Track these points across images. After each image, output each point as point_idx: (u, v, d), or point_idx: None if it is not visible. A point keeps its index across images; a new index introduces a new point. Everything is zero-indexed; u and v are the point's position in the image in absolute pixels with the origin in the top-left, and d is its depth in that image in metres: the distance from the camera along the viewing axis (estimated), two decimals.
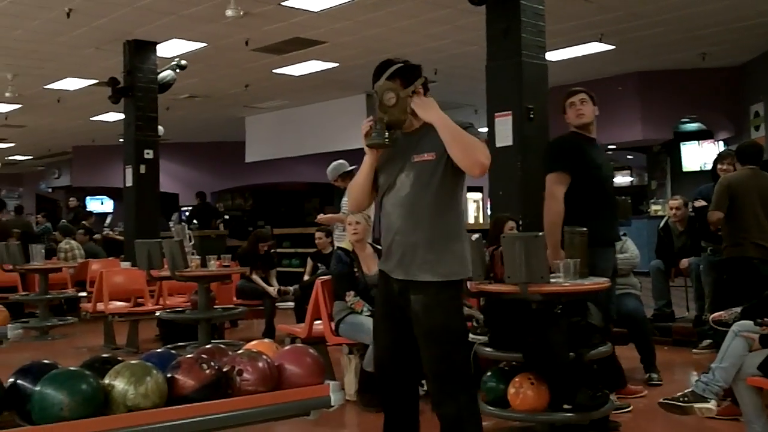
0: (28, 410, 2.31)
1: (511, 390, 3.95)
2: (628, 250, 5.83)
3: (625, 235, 5.95)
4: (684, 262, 7.33)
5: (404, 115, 3.09)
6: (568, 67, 11.38)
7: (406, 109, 3.08)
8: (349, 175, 6.71)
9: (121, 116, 11.20)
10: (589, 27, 9.81)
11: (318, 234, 8.41)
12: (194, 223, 14.84)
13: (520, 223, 6.17)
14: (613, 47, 10.76)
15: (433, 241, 3.06)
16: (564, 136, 4.51)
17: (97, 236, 13.20)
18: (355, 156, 13.12)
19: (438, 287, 3.05)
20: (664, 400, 4.11)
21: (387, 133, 3.07)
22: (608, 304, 4.40)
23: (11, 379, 2.41)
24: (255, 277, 8.25)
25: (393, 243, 3.13)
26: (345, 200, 6.56)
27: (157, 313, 7.47)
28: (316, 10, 8.81)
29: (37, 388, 2.30)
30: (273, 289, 8.25)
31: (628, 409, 4.86)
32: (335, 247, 6.35)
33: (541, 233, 3.91)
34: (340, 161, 7.07)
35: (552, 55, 8.80)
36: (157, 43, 10.12)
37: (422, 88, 3.17)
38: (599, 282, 4.05)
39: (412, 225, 3.07)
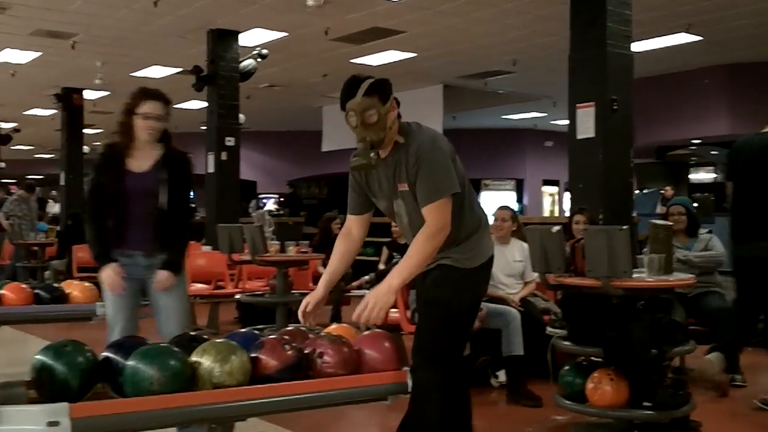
0: (120, 383, 2.40)
1: (590, 385, 3.89)
2: (714, 247, 5.67)
3: (710, 232, 5.80)
4: None
5: (384, 132, 2.91)
6: (654, 59, 11.10)
7: (385, 126, 2.91)
8: None
9: (203, 104, 11.45)
10: (676, 17, 9.54)
11: (395, 224, 8.43)
12: (279, 211, 15.22)
13: (601, 216, 6.08)
14: (701, 38, 10.44)
15: (444, 247, 2.96)
16: None
17: None
18: None
19: (450, 268, 3.00)
20: (761, 402, 3.98)
21: (372, 153, 2.91)
22: None
23: (105, 353, 2.51)
24: None
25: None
26: None
27: (237, 296, 7.63)
28: (395, 0, 8.81)
29: (130, 363, 2.39)
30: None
31: None
32: None
33: (625, 227, 3.82)
34: None
35: (637, 46, 8.60)
36: (239, 33, 10.30)
37: (395, 104, 2.97)
38: (684, 278, 3.95)
39: None
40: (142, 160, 3.61)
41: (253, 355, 2.57)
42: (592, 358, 4.10)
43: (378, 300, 2.82)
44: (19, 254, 11.38)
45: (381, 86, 2.93)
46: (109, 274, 3.49)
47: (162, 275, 3.61)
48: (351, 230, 3.25)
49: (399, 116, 3.00)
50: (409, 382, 2.79)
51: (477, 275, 3.06)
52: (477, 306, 3.20)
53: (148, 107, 3.60)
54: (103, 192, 3.57)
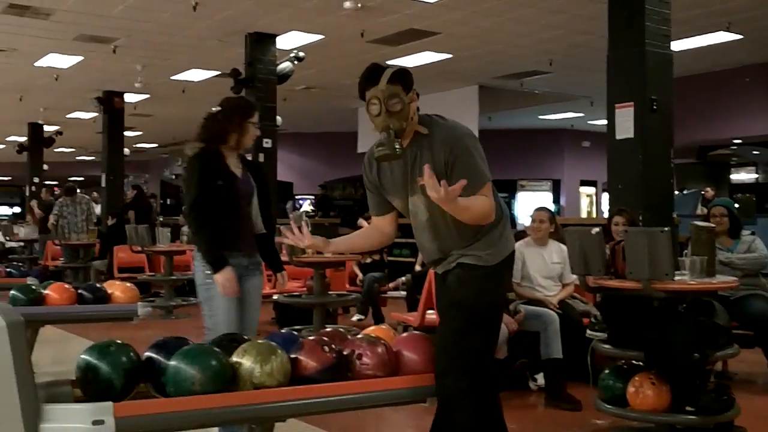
0: (163, 383, 2.44)
1: (631, 389, 3.85)
2: (757, 249, 5.56)
3: (753, 233, 5.70)
4: None
5: (406, 123, 2.82)
6: (693, 57, 10.95)
7: (408, 116, 2.82)
8: None
9: None
10: (715, 15, 9.39)
11: None
12: (313, 212, 15.35)
13: (641, 218, 6.01)
14: (741, 37, 10.27)
15: (464, 245, 2.90)
16: None
17: None
18: None
19: (472, 267, 2.88)
20: None
21: (397, 143, 2.80)
22: None
23: (147, 353, 2.55)
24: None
25: (431, 259, 3.05)
26: None
27: (274, 297, 7.67)
28: (431, 1, 8.81)
29: (172, 363, 2.42)
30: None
31: None
32: None
33: (666, 228, 3.77)
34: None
35: (676, 45, 8.49)
36: (276, 36, 10.37)
37: (415, 95, 2.89)
38: (727, 281, 3.89)
39: (442, 243, 2.94)
40: (234, 165, 3.73)
41: (293, 356, 2.59)
42: (633, 361, 4.05)
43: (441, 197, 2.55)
44: (66, 255, 11.58)
45: (404, 75, 2.86)
46: (226, 278, 3.52)
47: (282, 277, 4.04)
48: (377, 226, 3.19)
49: (417, 108, 2.93)
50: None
51: (500, 271, 2.94)
52: (503, 303, 3.12)
53: (257, 117, 3.80)
54: (217, 195, 3.61)
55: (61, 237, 11.43)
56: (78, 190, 11.98)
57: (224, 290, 3.50)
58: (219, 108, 3.80)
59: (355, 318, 8.50)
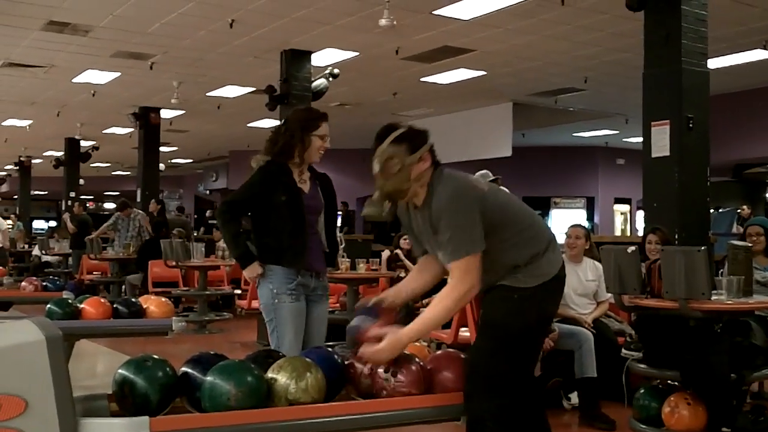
0: (198, 398, 2.46)
1: (666, 409, 3.81)
2: None
3: None
4: None
5: (407, 184, 2.82)
6: (730, 75, 10.84)
7: (409, 178, 2.82)
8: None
9: (276, 122, 11.65)
10: (752, 33, 9.30)
11: None
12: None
13: (676, 236, 5.95)
14: None
15: (497, 283, 2.88)
16: None
17: None
18: (500, 164, 13.02)
19: (507, 288, 2.85)
20: None
21: (385, 204, 2.84)
22: None
23: (183, 368, 2.57)
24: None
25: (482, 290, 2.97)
26: None
27: None
28: (466, 18, 8.83)
29: (207, 378, 2.44)
30: None
31: None
32: None
33: (703, 248, 3.73)
34: (483, 171, 7.16)
35: (713, 62, 8.41)
36: (312, 53, 10.45)
37: (429, 155, 2.89)
38: (764, 300, 3.84)
39: (485, 279, 2.86)
40: (301, 179, 3.68)
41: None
42: (669, 381, 4.01)
43: (388, 350, 2.69)
44: (113, 269, 11.74)
45: (412, 137, 2.86)
46: (252, 274, 3.59)
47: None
48: (424, 264, 3.15)
49: (437, 165, 2.90)
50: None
51: (539, 295, 2.85)
52: (541, 327, 3.01)
53: (325, 128, 3.68)
54: (279, 211, 3.60)
55: (97, 251, 11.58)
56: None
57: (250, 277, 3.60)
58: (284, 121, 3.78)
59: None
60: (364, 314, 2.89)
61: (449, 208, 2.77)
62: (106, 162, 24.04)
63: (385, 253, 8.76)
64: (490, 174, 6.99)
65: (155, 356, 2.54)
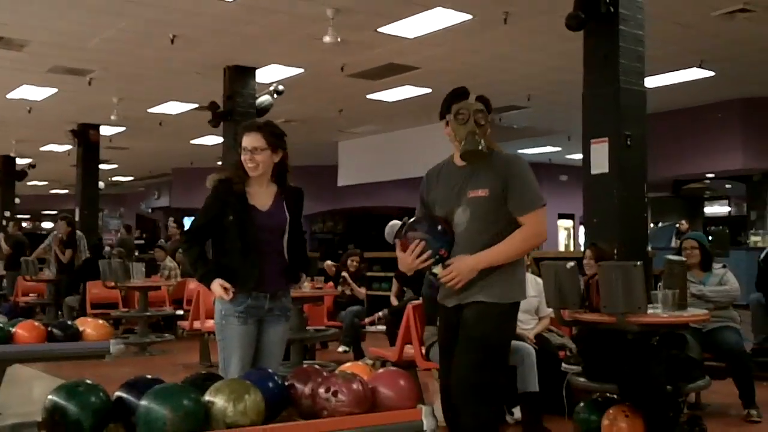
0: (133, 423, 2.39)
1: (605, 422, 3.86)
2: (728, 282, 5.63)
3: (725, 266, 5.76)
4: None
5: (486, 137, 3.13)
6: (667, 94, 11.12)
7: (486, 134, 3.12)
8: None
9: (219, 139, 11.55)
10: (688, 53, 9.57)
11: None
12: None
13: (615, 251, 6.05)
14: (713, 73, 10.46)
15: (489, 272, 3.07)
16: None
17: None
18: None
19: (490, 305, 3.08)
20: None
21: (482, 141, 3.07)
22: None
23: (118, 393, 2.50)
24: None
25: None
26: None
27: None
28: (411, 37, 8.90)
29: (143, 403, 2.37)
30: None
31: None
32: (428, 272, 6.35)
33: (639, 263, 3.80)
34: (392, 223, 7.34)
35: (650, 81, 8.62)
36: (256, 69, 10.41)
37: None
38: (698, 314, 3.92)
39: None
40: (262, 196, 3.59)
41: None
42: (608, 394, 4.06)
43: (461, 272, 3.01)
44: (50, 291, 11.40)
45: (486, 100, 3.18)
46: (216, 288, 3.48)
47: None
48: None
49: None
50: (426, 421, 2.75)
51: (513, 312, 3.17)
52: (510, 343, 3.32)
53: (244, 141, 3.58)
54: (225, 231, 3.51)
55: (33, 273, 11.27)
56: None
57: (219, 294, 3.49)
58: None
59: (340, 349, 8.46)
60: (430, 226, 3.07)
61: (522, 165, 3.17)
62: (44, 180, 23.51)
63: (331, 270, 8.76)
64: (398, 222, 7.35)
65: (88, 381, 2.47)
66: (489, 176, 3.08)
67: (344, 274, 8.69)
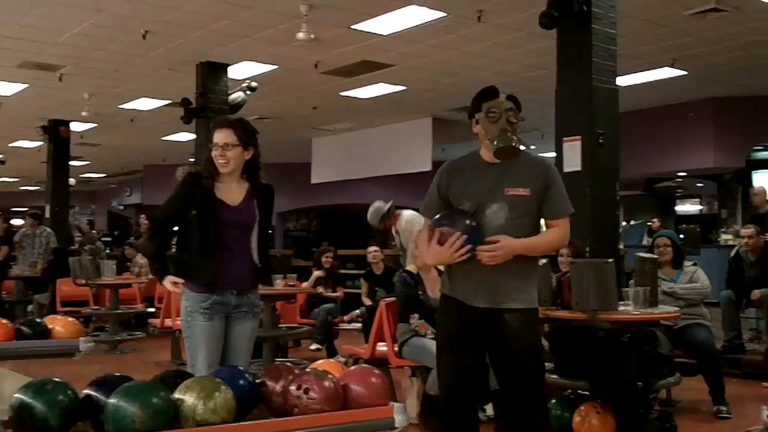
0: (102, 421, 2.37)
1: (577, 418, 3.88)
2: (699, 279, 5.69)
3: (695, 264, 5.82)
4: (756, 293, 7.13)
5: (517, 134, 3.22)
6: (640, 92, 11.21)
7: (516, 131, 3.22)
8: (389, 214, 7.04)
9: (191, 136, 11.46)
10: (661, 52, 9.65)
11: (373, 249, 8.38)
12: None
13: (588, 249, 6.09)
14: (685, 72, 10.57)
15: (521, 272, 3.15)
16: None
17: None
18: (419, 179, 13.09)
19: (532, 311, 3.21)
20: None
21: (515, 137, 3.15)
22: None
23: (86, 391, 2.47)
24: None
25: (476, 271, 3.14)
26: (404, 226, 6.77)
27: None
28: (385, 34, 8.89)
29: (111, 400, 2.35)
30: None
31: None
32: (401, 270, 6.35)
33: (611, 260, 3.83)
34: (376, 205, 7.33)
35: (623, 80, 8.68)
36: (228, 65, 10.34)
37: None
38: (669, 311, 3.95)
39: (503, 264, 3.14)
40: (231, 191, 3.55)
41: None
42: (579, 391, 4.08)
43: (505, 251, 3.07)
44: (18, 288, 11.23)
45: (516, 99, 3.30)
46: (169, 281, 3.48)
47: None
48: None
49: None
50: (397, 418, 2.75)
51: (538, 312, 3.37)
52: None
53: (215, 137, 3.55)
54: (189, 226, 3.48)
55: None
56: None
57: (173, 288, 3.49)
58: None
59: (313, 347, 8.42)
60: (466, 221, 3.11)
61: (557, 172, 3.31)
62: (14, 177, 23.20)
63: (316, 273, 8.69)
64: (384, 205, 7.34)
65: (56, 379, 2.44)
66: (528, 176, 3.19)
67: (318, 272, 8.65)
